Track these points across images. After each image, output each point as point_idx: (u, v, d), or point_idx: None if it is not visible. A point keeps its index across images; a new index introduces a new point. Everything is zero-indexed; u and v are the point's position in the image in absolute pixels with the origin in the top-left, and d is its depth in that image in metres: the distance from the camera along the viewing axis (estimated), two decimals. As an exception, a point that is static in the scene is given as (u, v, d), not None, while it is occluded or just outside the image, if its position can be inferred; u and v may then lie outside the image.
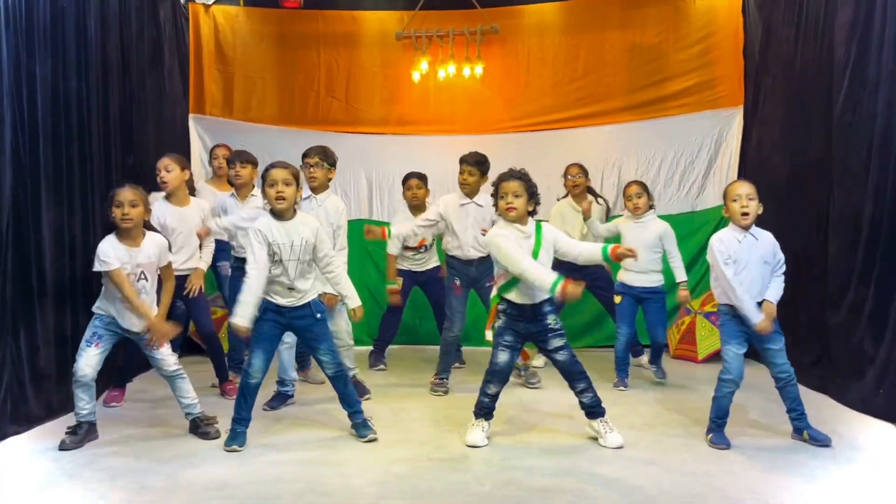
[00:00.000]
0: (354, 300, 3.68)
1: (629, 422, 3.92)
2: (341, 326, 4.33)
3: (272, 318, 3.55)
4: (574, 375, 3.58)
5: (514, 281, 3.51)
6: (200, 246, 4.52)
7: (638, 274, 4.72)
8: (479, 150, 6.11)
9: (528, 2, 6.43)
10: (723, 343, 3.57)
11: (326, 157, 4.36)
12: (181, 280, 4.24)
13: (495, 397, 3.65)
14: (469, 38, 6.17)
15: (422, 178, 5.25)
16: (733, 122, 6.05)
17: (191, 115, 6.39)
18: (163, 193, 4.40)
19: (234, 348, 4.81)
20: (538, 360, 5.20)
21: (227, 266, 4.94)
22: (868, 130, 4.07)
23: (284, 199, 3.48)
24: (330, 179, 4.42)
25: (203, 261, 4.51)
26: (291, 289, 3.54)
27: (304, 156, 4.37)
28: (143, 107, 5.42)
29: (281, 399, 4.26)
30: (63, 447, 3.45)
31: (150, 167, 5.12)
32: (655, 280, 4.76)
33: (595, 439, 3.56)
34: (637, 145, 6.24)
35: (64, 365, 4.13)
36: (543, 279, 3.33)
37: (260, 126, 6.46)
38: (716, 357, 5.47)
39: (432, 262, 5.37)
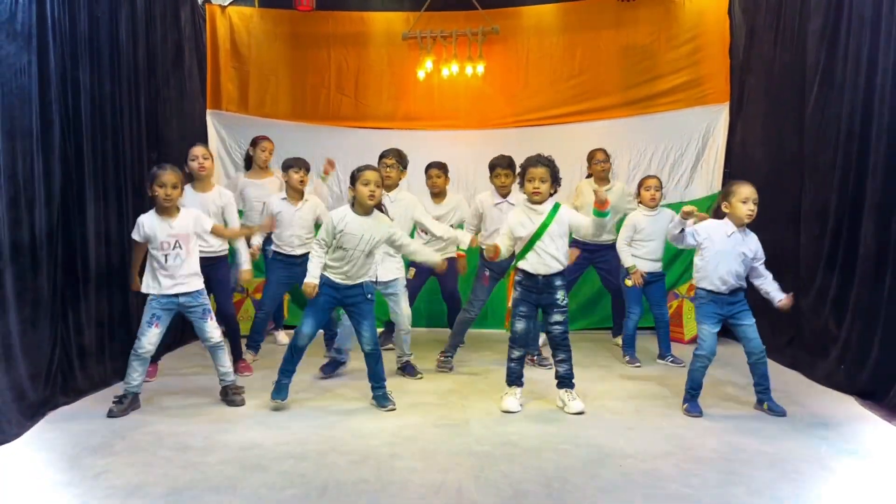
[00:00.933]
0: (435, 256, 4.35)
1: (615, 394, 4.35)
2: (403, 311, 4.74)
3: (327, 292, 4.02)
4: (561, 347, 4.02)
5: (526, 248, 3.94)
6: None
7: (650, 262, 5.16)
8: (482, 143, 6.56)
9: (527, 3, 6.78)
10: (698, 322, 3.99)
11: (401, 160, 4.87)
12: (206, 261, 4.47)
13: (520, 361, 4.08)
14: (471, 38, 6.52)
15: (441, 167, 5.57)
16: (720, 118, 6.39)
17: (208, 111, 6.76)
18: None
19: (255, 331, 5.27)
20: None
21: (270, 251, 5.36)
22: (834, 130, 4.45)
23: (374, 198, 3.96)
24: (401, 179, 4.89)
25: (245, 261, 4.83)
26: (347, 274, 4.00)
27: (382, 157, 4.85)
28: (168, 105, 5.79)
29: (333, 366, 4.73)
30: (111, 414, 3.89)
31: (172, 160, 5.51)
32: (657, 266, 5.23)
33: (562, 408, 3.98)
34: (630, 139, 6.58)
35: (102, 344, 4.60)
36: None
37: (274, 121, 6.81)
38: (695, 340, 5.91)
39: (449, 250, 5.59)
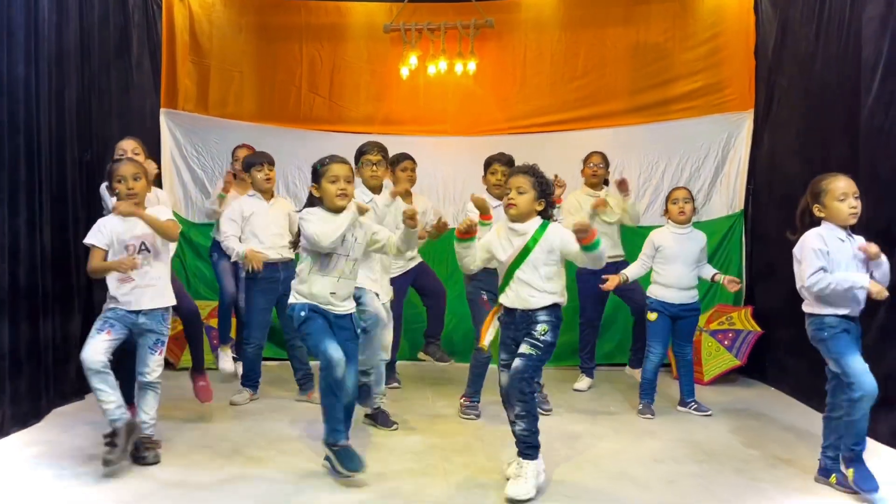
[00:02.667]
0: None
1: (635, 455, 3.52)
2: (388, 340, 3.95)
3: (318, 317, 3.19)
4: (512, 391, 3.05)
5: (506, 277, 3.13)
6: None
7: (678, 290, 4.30)
8: (471, 151, 5.82)
9: (525, -5, 6.06)
10: (839, 357, 3.09)
11: (386, 155, 4.05)
12: None
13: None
14: (462, 32, 5.81)
15: (413, 161, 4.88)
16: (743, 126, 5.69)
17: (162, 110, 5.96)
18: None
19: (249, 368, 4.52)
20: (581, 383, 4.90)
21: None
22: (902, 132, 3.69)
23: (346, 197, 3.17)
24: (386, 178, 4.14)
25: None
26: (333, 292, 3.18)
27: (363, 152, 3.98)
28: (106, 98, 5.01)
29: (366, 393, 3.85)
30: (107, 464, 3.07)
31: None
32: (694, 296, 4.38)
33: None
34: (639, 150, 5.88)
35: (1, 384, 3.73)
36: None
37: (237, 123, 6.04)
38: (722, 379, 5.11)
39: (417, 257, 4.89)
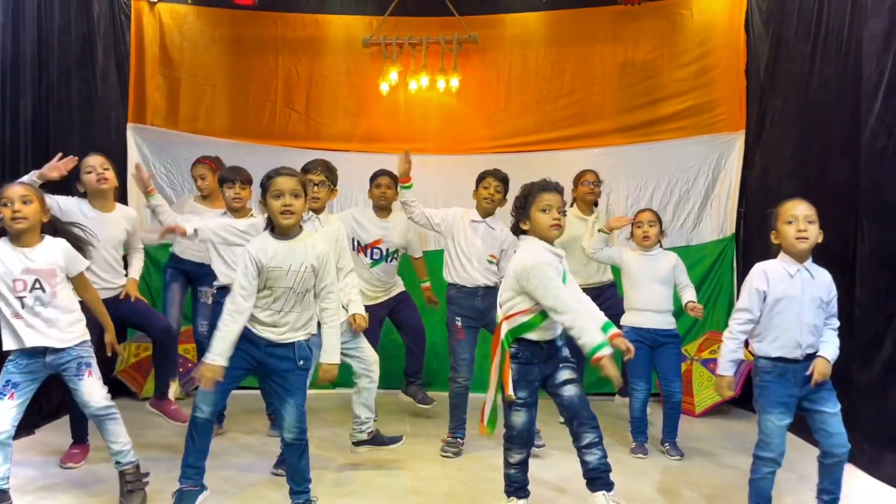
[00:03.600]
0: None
1: (632, 496, 3.24)
2: (369, 356, 3.70)
3: (243, 346, 2.86)
4: (583, 421, 2.87)
5: (538, 319, 2.87)
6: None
7: (653, 314, 4.06)
8: (453, 170, 5.63)
9: (510, 10, 5.90)
10: (761, 410, 2.91)
11: (331, 175, 3.75)
12: (110, 302, 3.50)
13: (521, 466, 2.97)
14: (444, 47, 5.63)
15: (393, 177, 4.61)
16: (734, 147, 5.53)
17: (129, 125, 5.69)
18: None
19: None
20: None
21: (209, 293, 4.33)
22: (907, 156, 3.51)
23: (292, 214, 2.84)
24: (330, 200, 3.85)
25: (135, 270, 3.91)
26: (277, 326, 2.89)
27: (306, 171, 3.69)
28: (66, 110, 4.72)
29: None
30: None
31: (72, 176, 4.44)
32: (670, 322, 4.13)
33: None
34: (627, 171, 5.69)
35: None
36: (592, 334, 2.76)
37: (209, 139, 5.76)
38: (715, 411, 4.88)
39: (398, 286, 4.70)
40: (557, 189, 2.94)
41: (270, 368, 2.92)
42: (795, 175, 4.64)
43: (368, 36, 5.70)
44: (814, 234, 2.87)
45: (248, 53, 5.91)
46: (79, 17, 4.92)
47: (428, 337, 4.89)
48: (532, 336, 2.88)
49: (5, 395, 2.88)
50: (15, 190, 2.94)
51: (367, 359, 3.68)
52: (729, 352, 2.97)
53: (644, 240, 4.16)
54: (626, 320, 4.15)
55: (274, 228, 2.90)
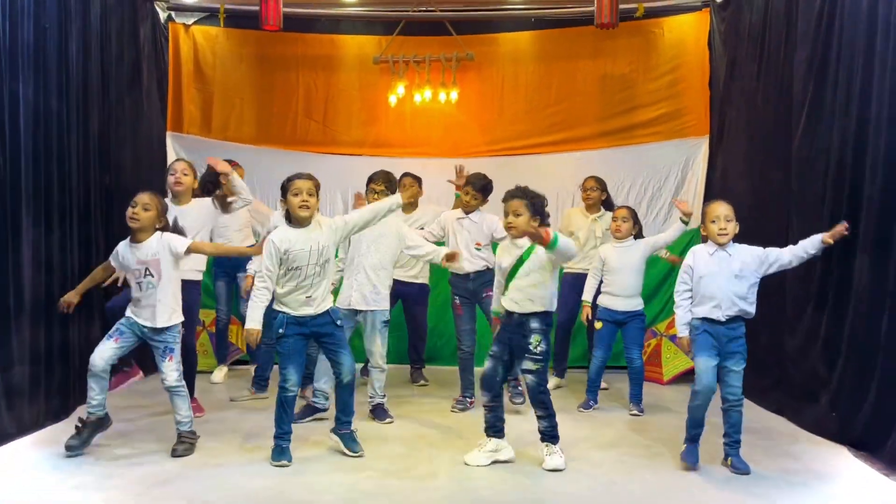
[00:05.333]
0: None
1: (594, 443, 4.04)
2: (377, 348, 4.43)
3: (295, 331, 3.67)
4: (535, 403, 3.66)
5: (506, 285, 3.68)
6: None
7: (623, 299, 4.80)
8: (452, 172, 6.27)
9: (503, 30, 6.61)
10: (695, 356, 3.68)
11: (390, 185, 4.50)
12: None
13: (492, 409, 3.71)
14: (445, 64, 6.33)
15: (415, 178, 5.47)
16: (699, 151, 6.25)
17: (168, 133, 6.45)
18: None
19: (262, 366, 5.01)
20: (551, 382, 5.30)
21: (248, 276, 5.14)
22: (823, 163, 4.26)
23: (308, 208, 3.63)
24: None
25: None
26: (308, 296, 3.66)
27: (370, 181, 4.54)
28: (122, 126, 5.48)
29: (310, 412, 4.38)
30: (69, 449, 3.60)
31: (126, 185, 5.24)
32: (637, 303, 4.86)
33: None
34: (607, 172, 6.21)
35: (36, 382, 4.19)
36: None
37: (238, 145, 6.51)
38: (681, 378, 5.65)
39: (420, 277, 5.48)
40: (513, 195, 3.66)
41: (319, 334, 3.74)
42: (745, 177, 5.39)
43: (378, 54, 6.41)
44: (731, 229, 3.65)
45: (272, 70, 6.65)
46: (129, 43, 5.67)
47: (429, 320, 5.73)
48: (505, 304, 3.68)
49: (112, 337, 3.70)
50: (141, 197, 3.72)
51: (373, 350, 4.42)
52: (682, 315, 3.72)
53: (616, 232, 4.91)
54: (601, 300, 4.91)
55: (291, 221, 3.69)
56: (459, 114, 6.53)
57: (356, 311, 4.40)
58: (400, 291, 5.25)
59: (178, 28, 6.54)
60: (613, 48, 6.45)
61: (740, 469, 3.54)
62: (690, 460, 3.59)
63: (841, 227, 3.56)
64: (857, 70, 3.94)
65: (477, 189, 4.82)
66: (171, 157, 6.43)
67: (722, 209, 3.66)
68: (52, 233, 4.38)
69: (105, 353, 3.68)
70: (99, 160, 5.03)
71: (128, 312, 3.76)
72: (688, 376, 5.64)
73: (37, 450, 3.75)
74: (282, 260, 3.63)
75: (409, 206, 5.37)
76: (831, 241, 3.57)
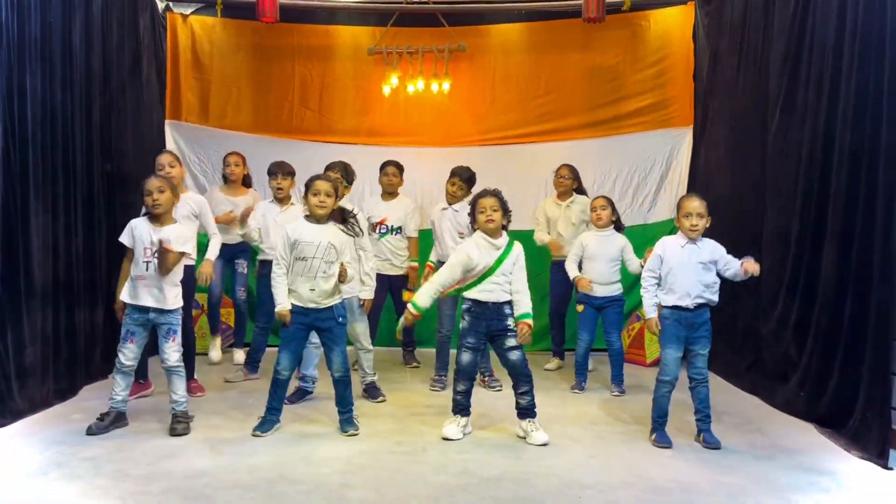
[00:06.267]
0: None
1: (575, 420, 4.28)
2: (360, 329, 4.64)
3: (298, 319, 3.92)
4: (521, 377, 3.91)
5: (479, 280, 3.89)
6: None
7: (601, 286, 5.01)
8: (446, 161, 6.48)
9: (494, 22, 6.75)
10: (662, 346, 3.93)
11: (347, 174, 4.73)
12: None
13: (466, 394, 3.98)
14: (437, 55, 6.46)
15: (398, 167, 5.68)
16: (684, 140, 6.42)
17: (167, 121, 6.58)
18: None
19: (255, 349, 5.18)
20: (551, 364, 5.71)
21: (244, 264, 5.56)
22: (796, 156, 4.47)
23: (325, 207, 3.92)
24: (345, 195, 4.70)
25: (210, 251, 4.69)
26: (313, 289, 3.89)
27: (326, 170, 4.70)
28: (123, 115, 5.62)
29: (300, 395, 4.59)
30: (90, 432, 3.80)
31: (127, 172, 5.42)
32: (615, 289, 5.07)
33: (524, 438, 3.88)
34: (595, 160, 6.54)
35: (45, 363, 4.39)
36: (419, 296, 3.98)
37: (235, 133, 6.65)
38: (656, 363, 5.87)
39: (404, 269, 5.66)
40: (491, 194, 3.93)
41: (319, 327, 3.99)
42: (725, 167, 5.58)
43: (372, 45, 6.54)
44: (702, 225, 3.86)
45: (268, 60, 6.77)
46: (129, 34, 5.79)
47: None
48: (476, 295, 3.89)
49: (127, 340, 3.90)
50: (152, 183, 3.94)
51: (356, 333, 4.62)
52: (648, 299, 3.96)
53: (597, 220, 5.10)
54: (581, 287, 5.10)
55: (309, 216, 3.95)
56: (452, 104, 6.66)
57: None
58: (387, 284, 5.44)
59: (175, 18, 6.65)
60: (601, 40, 6.58)
61: (711, 444, 3.78)
62: (665, 440, 3.83)
63: (755, 268, 3.81)
64: (826, 68, 4.14)
65: (464, 180, 5.06)
66: (169, 144, 6.58)
67: (695, 204, 3.87)
68: (59, 219, 4.56)
69: (129, 353, 3.90)
70: (101, 148, 5.19)
71: (126, 299, 3.90)
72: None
73: (51, 427, 3.94)
74: (292, 247, 3.89)
75: (389, 195, 5.62)
76: (743, 276, 3.85)
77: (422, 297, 3.96)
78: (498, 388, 4.92)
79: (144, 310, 3.90)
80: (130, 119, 5.80)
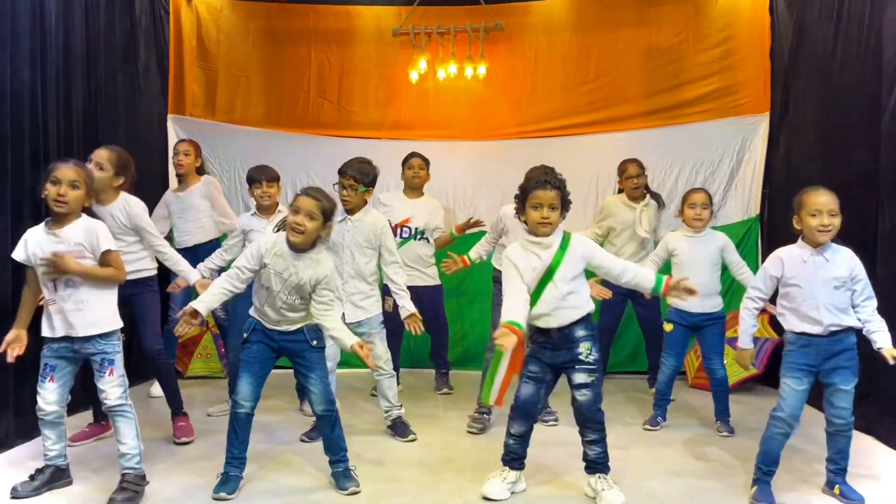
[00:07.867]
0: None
1: (654, 469, 3.42)
2: (380, 353, 3.87)
3: (260, 338, 3.14)
4: (589, 423, 3.05)
5: (534, 297, 3.01)
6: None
7: (699, 299, 3.92)
8: (482, 156, 5.82)
9: (536, -3, 5.98)
10: (782, 375, 3.07)
11: (362, 177, 3.83)
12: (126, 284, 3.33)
13: (522, 438, 3.13)
14: (472, 35, 5.72)
15: (425, 160, 4.95)
16: (758, 130, 5.57)
17: (170, 116, 5.92)
18: None
19: (235, 375, 4.30)
20: None
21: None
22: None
23: (302, 233, 3.04)
24: (366, 201, 3.94)
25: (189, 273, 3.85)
26: (279, 323, 3.13)
27: (340, 173, 3.89)
28: (113, 104, 4.95)
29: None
30: (14, 495, 2.98)
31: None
32: (717, 304, 4.17)
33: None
34: (652, 154, 5.65)
35: (3, 396, 3.69)
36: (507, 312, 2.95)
37: (245, 128, 6.01)
38: (739, 388, 5.00)
39: (432, 279, 4.87)
40: (552, 185, 2.99)
41: (289, 351, 3.18)
42: (818, 157, 4.72)
43: (398, 26, 5.82)
44: (836, 225, 2.99)
45: (281, 45, 6.08)
46: (122, 15, 5.13)
47: (456, 320, 5.14)
48: (534, 322, 3.03)
49: (46, 378, 3.01)
50: (66, 172, 2.93)
51: (377, 355, 3.81)
52: (747, 326, 3.13)
53: (696, 220, 4.18)
54: (671, 302, 4.14)
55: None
56: (487, 91, 5.91)
57: (354, 323, 3.79)
58: (414, 297, 4.66)
59: (178, 1, 5.99)
60: (659, 16, 5.78)
61: (853, 499, 2.97)
62: (768, 498, 2.99)
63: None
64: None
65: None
66: (172, 141, 5.87)
67: (825, 199, 3.01)
68: (24, 223, 3.79)
69: (49, 396, 3.00)
70: (84, 139, 4.48)
71: (44, 331, 3.00)
72: (747, 384, 5.03)
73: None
74: (260, 264, 3.10)
75: (413, 190, 4.87)
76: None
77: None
78: (553, 423, 4.07)
79: (64, 338, 2.99)
80: (123, 109, 5.14)
